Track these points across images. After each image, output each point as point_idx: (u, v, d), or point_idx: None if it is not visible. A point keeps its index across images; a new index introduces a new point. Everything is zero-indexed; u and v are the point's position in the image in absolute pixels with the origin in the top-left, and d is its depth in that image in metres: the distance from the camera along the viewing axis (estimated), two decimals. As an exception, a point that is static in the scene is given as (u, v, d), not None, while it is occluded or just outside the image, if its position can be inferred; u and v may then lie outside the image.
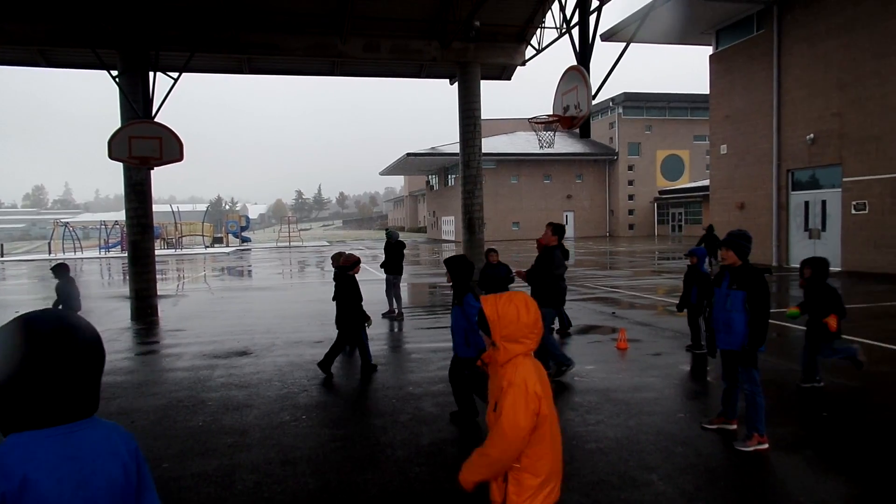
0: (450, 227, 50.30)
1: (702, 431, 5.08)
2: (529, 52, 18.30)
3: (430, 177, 60.86)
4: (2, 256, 43.39)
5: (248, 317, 12.17)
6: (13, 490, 1.33)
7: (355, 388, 6.80)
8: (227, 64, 18.16)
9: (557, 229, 7.25)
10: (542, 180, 49.01)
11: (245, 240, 51.55)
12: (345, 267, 7.82)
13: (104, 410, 6.00)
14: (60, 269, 8.60)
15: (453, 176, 50.23)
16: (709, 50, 23.83)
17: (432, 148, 48.68)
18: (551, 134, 12.57)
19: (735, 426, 5.02)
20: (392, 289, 11.89)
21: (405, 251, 12.63)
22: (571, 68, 11.14)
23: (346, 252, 8.49)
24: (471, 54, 17.65)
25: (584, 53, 11.28)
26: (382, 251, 12.98)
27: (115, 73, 14.55)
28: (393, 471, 4.49)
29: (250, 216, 75.22)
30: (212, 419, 5.72)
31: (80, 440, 1.44)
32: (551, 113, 11.59)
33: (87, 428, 1.47)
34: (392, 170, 60.53)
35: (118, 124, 14.38)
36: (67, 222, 51.12)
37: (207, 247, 47.29)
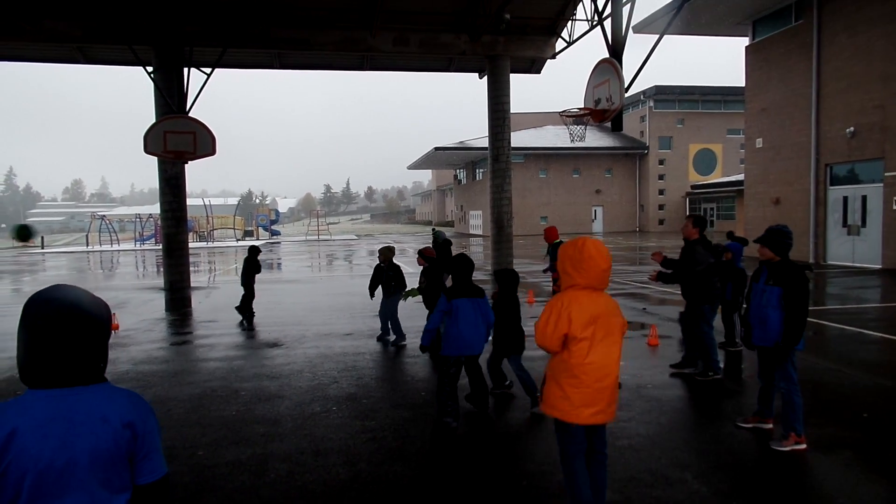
0: (478, 221, 50.21)
1: (736, 430, 4.99)
2: (560, 44, 18.12)
3: (457, 171, 60.80)
4: (43, 248, 44.72)
5: (279, 309, 12.33)
6: (5, 435, 1.51)
7: (385, 380, 6.84)
8: (258, 59, 18.38)
9: (698, 221, 6.73)
10: (571, 174, 48.56)
11: (275, 233, 52.23)
12: (431, 258, 8.11)
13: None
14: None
15: (481, 170, 50.09)
16: (745, 41, 23.28)
17: (460, 142, 48.59)
18: (582, 128, 12.43)
19: (771, 425, 4.92)
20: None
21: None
22: (603, 61, 11.00)
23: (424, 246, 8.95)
24: (500, 47, 17.54)
25: (616, 45, 11.11)
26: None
27: (150, 69, 14.85)
28: (423, 463, 4.51)
29: (280, 210, 76.15)
30: (245, 409, 5.81)
31: (74, 404, 1.59)
32: (582, 106, 11.46)
33: (86, 394, 1.62)
34: (420, 164, 60.61)
35: (153, 120, 14.67)
36: (104, 215, 52.45)
37: (238, 240, 48.03)
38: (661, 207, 48.93)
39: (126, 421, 1.64)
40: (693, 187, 47.59)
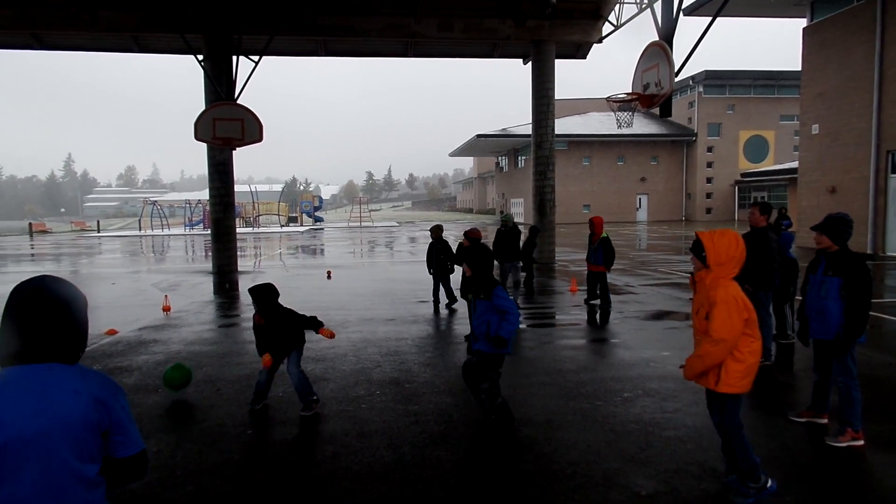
0: (519, 209, 49.87)
1: (789, 424, 4.84)
2: (606, 28, 17.74)
3: (499, 158, 60.43)
4: (99, 232, 46.54)
5: (322, 294, 12.53)
6: None
7: (427, 366, 6.89)
8: (304, 46, 18.59)
9: (765, 208, 6.57)
10: (616, 162, 47.67)
11: (318, 219, 53.03)
12: (474, 239, 8.12)
13: (193, 378, 6.36)
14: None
15: (523, 157, 49.66)
16: (802, 22, 22.32)
17: (503, 129, 48.22)
18: (629, 114, 12.17)
19: (826, 420, 4.76)
20: (515, 273, 11.25)
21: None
22: (653, 44, 10.72)
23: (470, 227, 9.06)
24: (545, 32, 17.29)
25: (666, 29, 10.81)
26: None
27: (200, 57, 15.19)
28: (466, 448, 4.53)
29: (323, 197, 77.20)
30: (291, 390, 5.91)
31: (47, 378, 1.69)
32: (630, 91, 11.21)
33: (59, 370, 1.72)
34: (461, 151, 60.48)
35: (203, 107, 15.03)
36: (155, 201, 54.19)
37: (283, 225, 48.97)
38: (708, 196, 47.62)
39: (96, 395, 1.73)
40: (743, 175, 46.12)
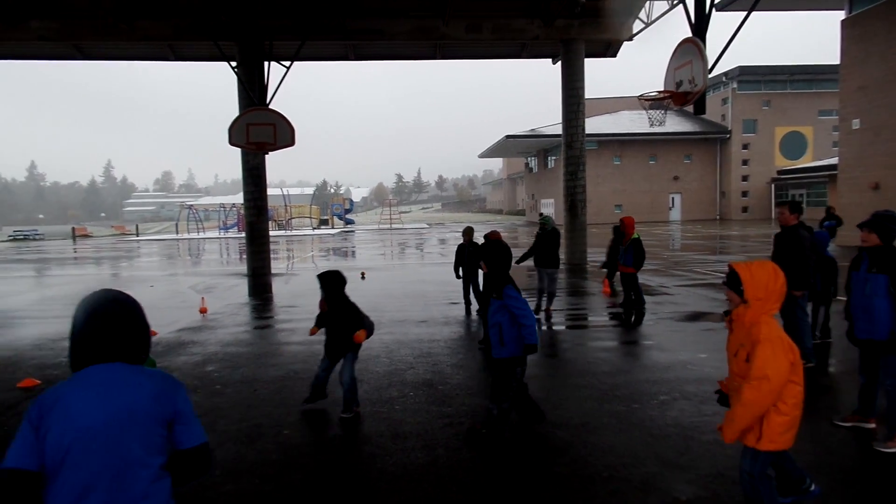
0: (549, 209, 49.55)
1: (832, 428, 4.70)
2: (637, 25, 17.52)
3: (529, 159, 60.15)
4: (137, 235, 47.76)
5: (354, 296, 12.50)
6: (50, 403, 1.75)
7: (460, 368, 6.89)
8: (334, 51, 18.79)
9: (795, 207, 6.44)
10: (647, 161, 47.01)
11: (349, 222, 53.49)
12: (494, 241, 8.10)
13: (229, 378, 6.48)
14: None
15: (553, 158, 49.34)
16: (840, 15, 21.70)
17: (532, 129, 47.99)
18: (662, 112, 11.98)
19: (873, 425, 4.61)
20: (550, 283, 9.92)
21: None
22: (686, 41, 10.53)
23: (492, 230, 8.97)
24: (574, 31, 17.16)
25: (699, 24, 10.61)
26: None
27: (233, 63, 15.48)
28: (500, 450, 4.51)
29: (353, 199, 77.89)
30: (328, 390, 6.00)
31: (114, 373, 1.83)
32: (662, 89, 11.03)
33: (125, 368, 1.86)
34: (491, 152, 60.37)
35: (236, 114, 15.31)
36: (191, 205, 55.41)
37: (314, 228, 49.55)
38: (744, 194, 46.63)
39: (159, 388, 1.86)
40: (780, 172, 45.05)
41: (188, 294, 13.51)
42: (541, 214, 10.49)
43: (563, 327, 9.03)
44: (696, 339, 7.87)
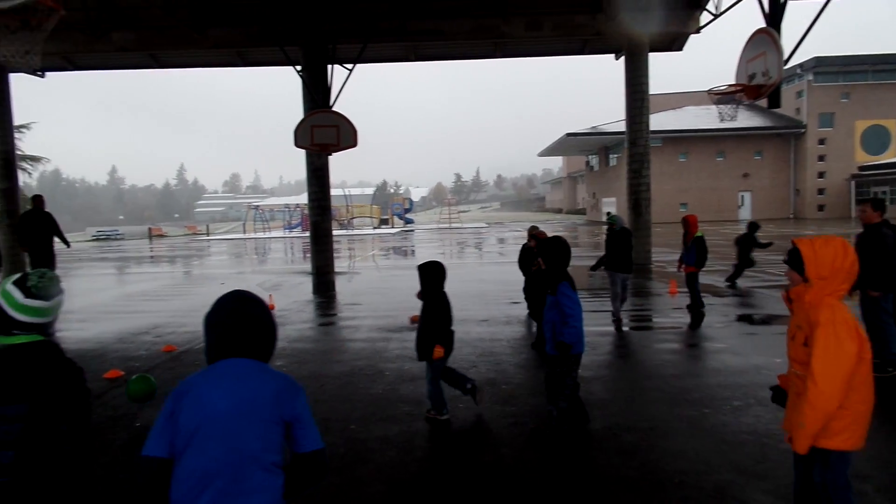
0: (611, 208, 48.56)
1: (925, 441, 4.40)
2: (705, 17, 16.91)
3: (589, 157, 59.14)
4: (208, 235, 49.82)
5: (415, 294, 12.74)
6: (184, 390, 1.87)
7: (523, 367, 6.84)
8: (394, 52, 19.00)
9: (878, 204, 6.17)
10: (715, 158, 45.34)
11: (408, 221, 54.08)
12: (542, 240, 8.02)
13: (297, 373, 6.66)
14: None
15: (615, 155, 48.32)
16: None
17: (593, 127, 47.16)
18: (733, 106, 11.52)
19: (972, 438, 4.28)
20: (622, 290, 9.12)
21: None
22: (759, 31, 10.10)
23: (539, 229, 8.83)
24: (639, 26, 16.72)
25: (773, 14, 10.15)
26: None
27: (298, 68, 15.90)
28: (566, 451, 4.45)
29: (413, 199, 78.67)
30: (390, 388, 6.10)
31: (243, 368, 1.92)
32: (733, 82, 10.61)
33: (253, 364, 1.94)
34: (551, 151, 59.71)
35: (299, 117, 15.70)
36: (258, 205, 57.32)
37: (375, 228, 50.33)
38: (820, 192, 44.28)
39: (280, 389, 1.92)
40: (861, 169, 42.55)
41: (256, 291, 13.98)
42: (608, 214, 10.10)
43: (626, 328, 8.82)
44: (770, 343, 7.53)
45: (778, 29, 10.06)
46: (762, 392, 5.59)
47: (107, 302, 13.14)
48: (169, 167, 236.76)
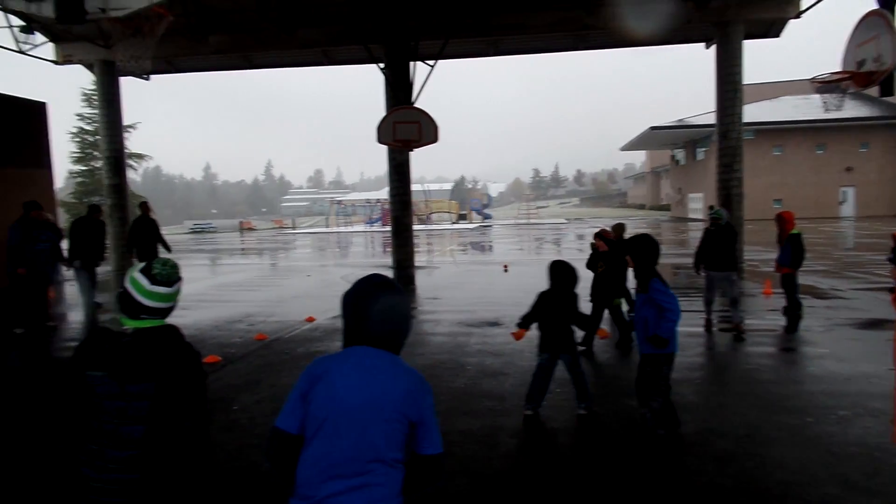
0: (698, 204, 46.54)
1: None
2: (806, 1, 15.84)
3: (675, 151, 56.90)
4: (293, 229, 51.86)
5: (495, 289, 12.74)
6: (319, 374, 1.89)
7: (608, 367, 6.69)
8: (475, 48, 19.01)
9: None
10: (814, 151, 42.44)
11: (487, 217, 54.04)
12: (611, 241, 7.69)
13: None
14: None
15: (703, 149, 46.26)
16: None
17: (679, 120, 45.31)
18: (838, 96, 10.73)
19: None
20: (729, 287, 8.28)
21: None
22: (871, 13, 9.35)
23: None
24: (732, 12, 15.89)
25: (888, -7, 9.36)
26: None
27: (381, 65, 16.21)
28: (653, 454, 4.31)
29: (491, 194, 78.59)
30: (472, 382, 6.12)
31: (375, 361, 1.90)
32: (840, 69, 9.88)
33: (385, 357, 1.93)
34: (634, 145, 57.92)
35: (379, 113, 16.01)
36: (340, 200, 59.04)
37: (453, 223, 50.66)
38: (936, 187, 40.55)
39: (410, 388, 1.89)
40: (984, 161, 38.61)
41: (340, 284, 14.40)
42: (710, 207, 9.43)
43: (716, 329, 8.43)
44: (880, 350, 6.97)
45: (892, 10, 9.28)
46: (873, 402, 5.19)
47: (203, 291, 13.92)
48: (258, 164, 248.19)
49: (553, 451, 4.44)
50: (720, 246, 8.23)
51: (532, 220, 50.64)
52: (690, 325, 8.61)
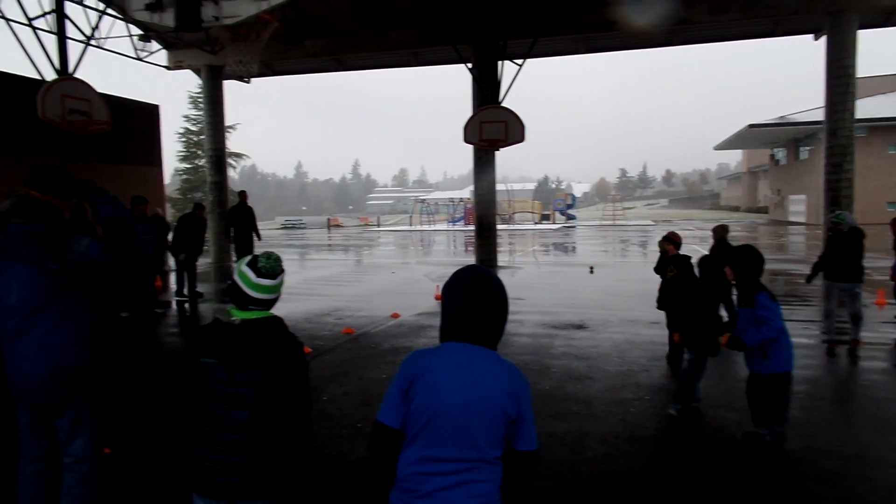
0: (800, 207, 43.66)
1: None
2: (934, -15, 14.51)
3: (775, 150, 53.62)
4: (378, 227, 53.14)
5: (578, 291, 12.51)
6: (419, 372, 1.86)
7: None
8: (565, 46, 18.74)
9: None
10: (936, 149, 38.76)
11: (570, 217, 53.12)
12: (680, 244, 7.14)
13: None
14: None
15: (807, 148, 43.32)
16: None
17: (780, 117, 42.64)
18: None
19: None
20: (851, 302, 7.49)
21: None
22: None
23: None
24: (846, 1, 14.80)
25: None
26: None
27: (469, 65, 16.29)
28: (749, 469, 4.09)
29: (575, 195, 77.17)
30: (557, 385, 6.04)
31: (475, 358, 1.88)
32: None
33: (483, 353, 1.90)
34: (730, 144, 55.09)
35: (463, 114, 16.09)
36: (424, 199, 59.85)
37: (536, 223, 50.17)
38: None
39: (510, 385, 1.88)
40: None
41: (424, 281, 14.61)
42: (832, 210, 8.58)
43: (816, 341, 7.87)
44: None
45: None
46: None
47: (294, 284, 14.52)
48: (345, 162, 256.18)
49: (643, 460, 4.31)
50: (842, 254, 7.41)
51: (617, 222, 49.33)
52: (796, 335, 8.10)
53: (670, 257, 6.80)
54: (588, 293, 12.21)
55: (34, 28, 11.69)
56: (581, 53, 19.06)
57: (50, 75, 11.56)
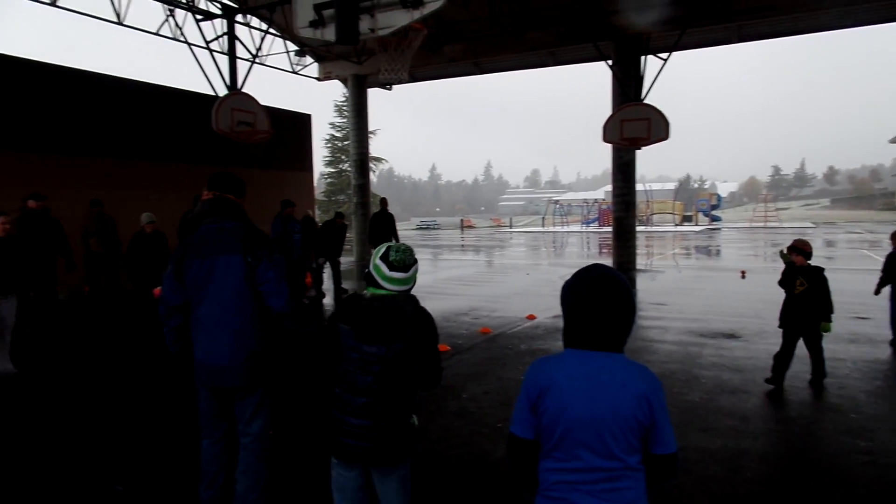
0: None
1: None
2: None
3: (969, 142, 46.40)
4: (511, 228, 53.26)
5: (727, 298, 11.66)
6: (545, 385, 1.82)
7: (880, 397, 5.72)
8: (714, 36, 17.58)
9: None
10: None
11: (715, 219, 49.72)
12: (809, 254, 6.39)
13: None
14: None
15: None
16: None
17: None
18: None
19: None
20: None
21: None
22: None
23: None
24: None
25: None
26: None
27: (610, 62, 15.80)
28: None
29: (720, 194, 72.10)
30: (708, 397, 5.69)
31: (599, 367, 1.80)
32: None
33: (608, 359, 1.82)
34: (908, 136, 48.50)
35: (599, 113, 15.62)
36: (557, 200, 59.05)
37: (677, 225, 47.57)
38: None
39: (641, 390, 1.79)
40: None
41: (559, 283, 14.35)
42: None
43: None
44: None
45: None
46: None
47: (430, 284, 14.96)
48: (477, 164, 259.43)
49: (809, 486, 3.92)
50: None
51: (769, 224, 45.32)
52: None
53: (798, 268, 6.11)
54: (739, 300, 11.35)
55: (210, 50, 13.08)
56: (734, 43, 17.75)
57: (221, 91, 12.89)
